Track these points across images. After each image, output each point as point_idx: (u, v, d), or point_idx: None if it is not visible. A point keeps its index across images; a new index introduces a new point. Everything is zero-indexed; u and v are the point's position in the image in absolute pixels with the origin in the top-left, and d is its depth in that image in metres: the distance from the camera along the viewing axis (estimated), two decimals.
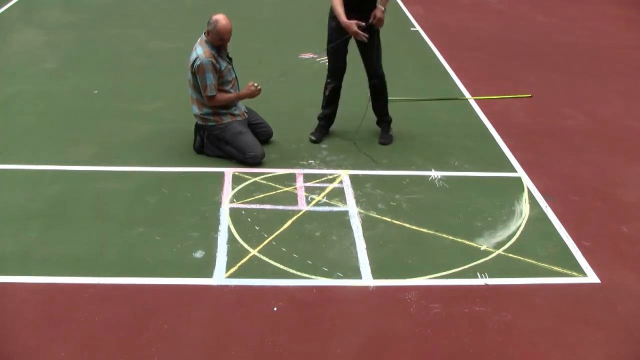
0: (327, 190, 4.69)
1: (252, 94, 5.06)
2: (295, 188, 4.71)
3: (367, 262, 3.95)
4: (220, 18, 4.81)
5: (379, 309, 3.60)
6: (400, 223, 4.35)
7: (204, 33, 4.89)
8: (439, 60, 7.61)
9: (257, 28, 8.37)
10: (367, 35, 4.88)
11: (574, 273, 3.94)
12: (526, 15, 9.79)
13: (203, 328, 3.41)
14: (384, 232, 4.26)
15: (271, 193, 4.63)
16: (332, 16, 5.08)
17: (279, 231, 4.21)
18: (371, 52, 5.16)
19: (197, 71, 4.82)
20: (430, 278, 3.84)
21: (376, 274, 3.85)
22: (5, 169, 4.84)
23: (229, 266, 3.86)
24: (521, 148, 5.45)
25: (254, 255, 3.97)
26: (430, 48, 8.04)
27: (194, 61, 4.82)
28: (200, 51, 4.83)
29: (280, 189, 4.69)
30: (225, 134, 4.97)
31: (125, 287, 3.67)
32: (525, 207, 4.59)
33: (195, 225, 4.23)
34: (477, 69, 7.40)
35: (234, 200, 4.53)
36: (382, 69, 5.30)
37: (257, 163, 4.95)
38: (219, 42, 4.86)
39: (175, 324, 3.42)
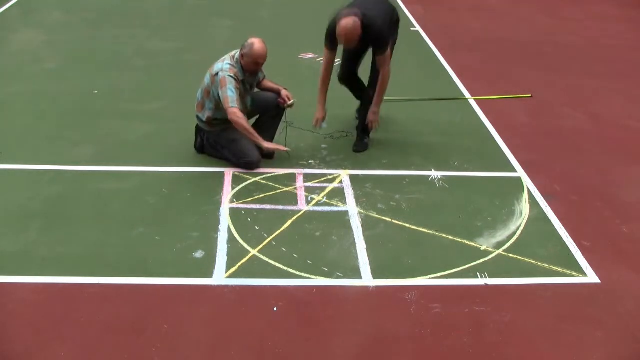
0: (327, 190, 4.69)
1: (270, 148, 4.89)
2: (295, 188, 4.71)
3: (367, 262, 3.95)
4: (256, 42, 4.70)
5: (379, 309, 3.60)
6: (400, 223, 4.35)
7: (239, 54, 4.76)
8: (439, 60, 7.60)
9: (257, 28, 8.35)
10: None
11: (574, 273, 3.94)
12: (526, 15, 9.79)
13: (203, 328, 3.41)
14: (384, 232, 4.26)
15: (271, 193, 4.63)
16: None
17: (279, 231, 4.21)
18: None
19: (219, 84, 4.67)
20: (430, 278, 3.84)
21: (376, 274, 3.85)
22: (5, 169, 4.83)
23: (229, 266, 3.86)
24: (521, 148, 5.45)
25: (254, 255, 3.97)
26: (430, 48, 8.03)
27: (218, 73, 4.70)
28: (227, 67, 4.69)
29: (280, 189, 4.69)
30: (221, 139, 4.93)
31: (125, 287, 3.66)
32: (525, 207, 4.59)
33: (195, 225, 4.23)
34: (477, 69, 7.39)
35: (234, 200, 4.53)
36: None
37: (252, 168, 4.90)
38: (253, 67, 4.75)
39: (175, 324, 3.42)
